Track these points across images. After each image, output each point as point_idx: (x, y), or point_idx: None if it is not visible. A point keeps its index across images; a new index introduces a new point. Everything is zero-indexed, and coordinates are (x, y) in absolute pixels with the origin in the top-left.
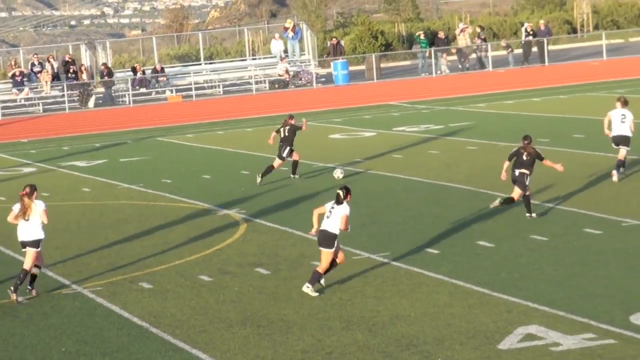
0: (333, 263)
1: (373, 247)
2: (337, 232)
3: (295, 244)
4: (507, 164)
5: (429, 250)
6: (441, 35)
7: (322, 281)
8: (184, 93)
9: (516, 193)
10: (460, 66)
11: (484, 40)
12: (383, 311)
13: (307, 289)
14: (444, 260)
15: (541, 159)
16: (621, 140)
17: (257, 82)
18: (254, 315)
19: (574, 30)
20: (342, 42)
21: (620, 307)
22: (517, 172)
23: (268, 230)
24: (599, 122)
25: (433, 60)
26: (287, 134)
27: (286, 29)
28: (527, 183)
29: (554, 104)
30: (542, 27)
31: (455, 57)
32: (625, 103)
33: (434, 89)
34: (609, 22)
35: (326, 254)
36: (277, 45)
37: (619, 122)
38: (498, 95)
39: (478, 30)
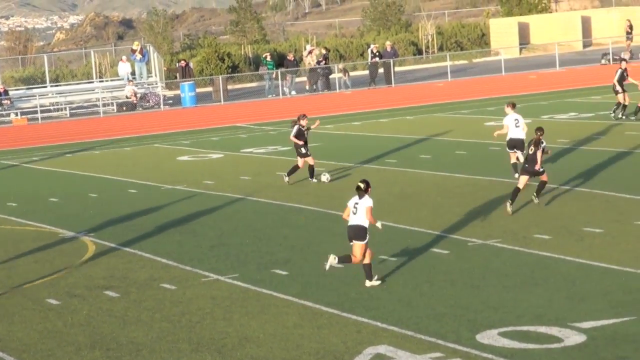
0: (347, 258)
1: (221, 268)
2: (366, 224)
3: (144, 266)
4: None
5: (278, 271)
6: (290, 57)
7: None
8: (29, 116)
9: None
10: (307, 87)
11: (327, 61)
12: (232, 333)
13: (369, 283)
14: (292, 281)
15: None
16: (517, 144)
17: (104, 105)
18: (103, 338)
19: (420, 52)
20: (191, 64)
21: (466, 326)
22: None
23: (117, 252)
24: (444, 142)
25: (280, 82)
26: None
27: (133, 51)
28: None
29: (400, 124)
30: (389, 49)
31: (304, 79)
32: (514, 106)
33: (282, 111)
34: (453, 43)
35: (360, 246)
36: (124, 68)
37: (514, 126)
38: (345, 117)
39: (324, 51)
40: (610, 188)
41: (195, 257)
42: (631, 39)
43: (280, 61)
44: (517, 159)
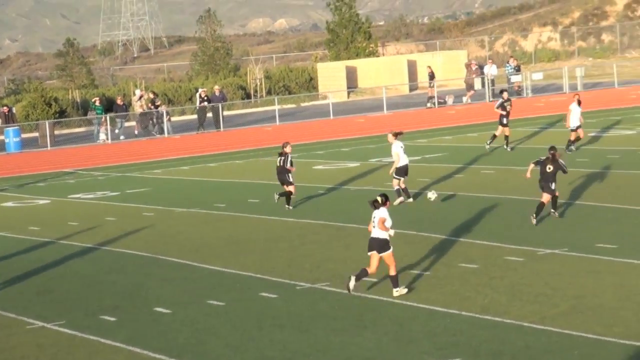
0: (363, 272)
1: (47, 315)
2: (386, 236)
3: None
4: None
5: (106, 317)
6: (119, 101)
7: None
8: None
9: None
10: (136, 132)
11: (157, 106)
12: None
13: (397, 292)
14: (121, 328)
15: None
16: (407, 170)
17: None
18: None
19: (248, 96)
20: (14, 110)
21: None
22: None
23: None
24: (271, 187)
25: (109, 127)
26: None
27: None
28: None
29: (229, 169)
30: (217, 93)
31: (133, 123)
32: (397, 134)
33: (111, 156)
34: (281, 87)
35: (387, 257)
36: None
37: (402, 152)
38: (174, 161)
39: (152, 96)
40: (436, 230)
41: (20, 304)
42: (433, 86)
43: (109, 106)
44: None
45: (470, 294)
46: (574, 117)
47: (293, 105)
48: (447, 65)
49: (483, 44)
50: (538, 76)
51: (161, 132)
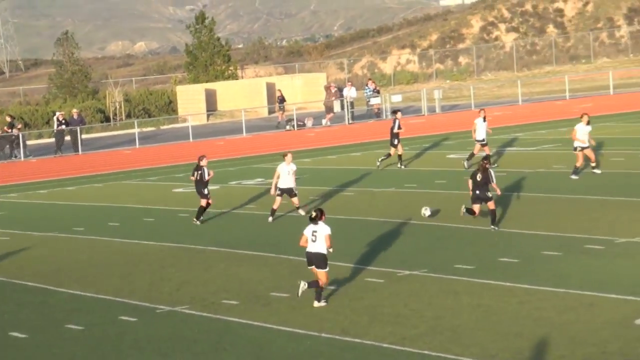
0: (316, 282)
1: None
2: (325, 252)
3: None
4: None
5: None
6: None
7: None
8: None
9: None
10: None
11: (18, 129)
12: None
13: (318, 304)
14: None
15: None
16: (288, 191)
17: None
18: None
19: (107, 119)
20: None
21: None
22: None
23: None
24: (133, 210)
25: None
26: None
27: None
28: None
29: (89, 192)
30: (75, 116)
31: None
32: (286, 155)
33: None
34: (140, 110)
35: (322, 274)
36: None
37: (285, 174)
38: (32, 185)
39: (8, 119)
40: (295, 253)
41: None
42: (283, 109)
43: None
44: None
45: (331, 315)
46: (480, 131)
47: (153, 128)
48: (307, 88)
49: (342, 66)
50: (397, 98)
51: (17, 155)
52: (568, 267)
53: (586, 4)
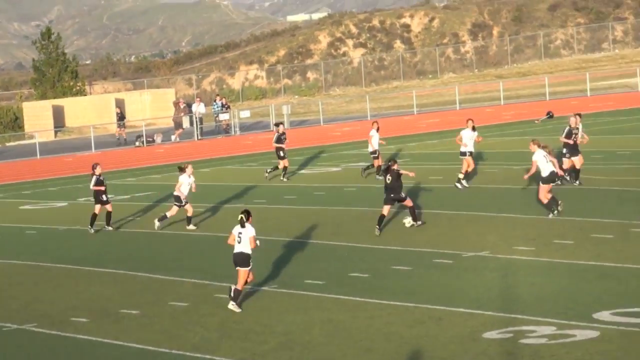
0: (237, 291)
1: None
2: (250, 252)
3: None
4: None
5: None
6: None
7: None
8: None
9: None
10: None
11: None
12: None
13: (233, 306)
14: None
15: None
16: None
17: None
18: None
19: None
20: None
21: None
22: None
23: None
24: None
25: None
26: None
27: None
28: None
29: None
30: None
31: None
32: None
33: None
34: None
35: (244, 272)
36: None
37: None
38: None
39: None
40: (145, 269)
41: None
42: (122, 126)
43: None
44: None
45: (181, 332)
46: (375, 142)
47: None
48: (156, 104)
49: (191, 82)
50: (246, 114)
51: None
52: (417, 282)
53: (432, 19)
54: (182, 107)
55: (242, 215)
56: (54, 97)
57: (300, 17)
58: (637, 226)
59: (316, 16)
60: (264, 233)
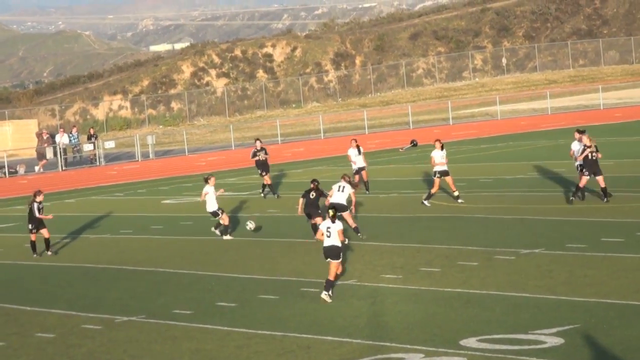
0: (329, 282)
1: None
2: (340, 244)
3: None
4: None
5: None
6: None
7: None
8: None
9: None
10: None
11: None
12: None
13: (325, 295)
14: None
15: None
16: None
17: None
18: None
19: None
20: None
21: None
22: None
23: None
24: None
25: None
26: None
27: None
28: None
29: None
30: None
31: None
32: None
33: None
34: None
35: (336, 264)
36: None
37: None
38: None
39: None
40: (11, 301)
41: None
42: None
43: None
44: None
45: None
46: (358, 160)
47: None
48: (18, 135)
49: (54, 112)
50: (110, 144)
51: None
52: (285, 310)
53: (294, 49)
54: (45, 137)
55: (331, 211)
56: None
57: (162, 47)
58: (500, 253)
59: (179, 46)
60: (130, 263)
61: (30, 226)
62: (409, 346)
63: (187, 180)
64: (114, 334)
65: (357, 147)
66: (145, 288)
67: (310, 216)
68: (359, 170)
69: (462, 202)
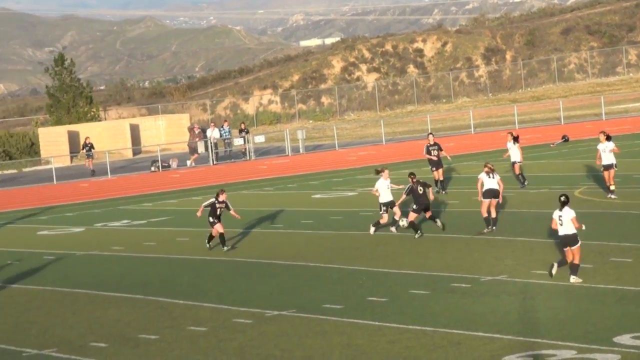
0: (564, 261)
1: None
2: (575, 231)
3: None
4: None
5: None
6: None
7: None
8: None
9: None
10: None
11: None
12: None
13: (574, 279)
14: None
15: None
16: (390, 204)
17: None
18: None
19: None
20: None
21: None
22: None
23: None
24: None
25: None
26: None
27: None
28: None
29: None
30: None
31: None
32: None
33: None
34: (1, 152)
35: (576, 249)
36: None
37: (385, 188)
38: None
39: None
40: (165, 294)
41: None
42: (91, 157)
43: None
44: None
45: (200, 357)
46: (514, 153)
47: (14, 171)
48: (171, 129)
49: (205, 107)
50: (260, 139)
51: None
52: (435, 306)
53: (445, 44)
54: (196, 132)
55: (563, 198)
56: (69, 123)
57: (313, 42)
58: None
59: (329, 41)
60: (281, 258)
61: (210, 219)
62: (560, 343)
63: (337, 175)
64: (264, 328)
65: (514, 138)
66: (295, 283)
67: (426, 209)
68: (513, 164)
69: (615, 198)
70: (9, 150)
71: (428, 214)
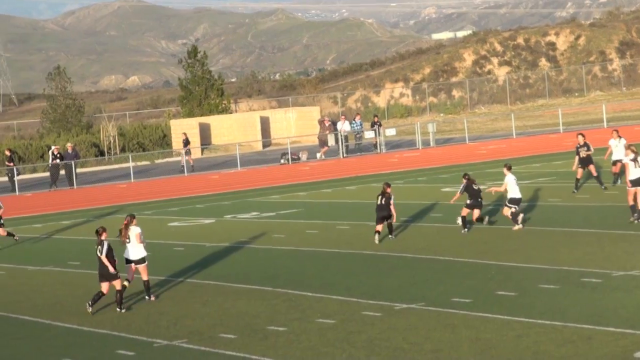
0: None
1: None
2: None
3: None
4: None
5: None
6: None
7: None
8: None
9: None
10: None
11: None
12: None
13: None
14: None
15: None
16: (517, 202)
17: None
18: None
19: (102, 153)
20: None
21: None
22: None
23: None
24: None
25: None
26: None
27: None
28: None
29: (82, 227)
30: (70, 150)
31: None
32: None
33: None
34: (135, 144)
35: None
36: None
37: (513, 184)
38: (25, 219)
39: (8, 153)
40: (293, 287)
41: None
42: (188, 153)
43: None
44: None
45: (328, 349)
46: (618, 151)
47: (147, 162)
48: (301, 122)
49: (336, 100)
50: (391, 132)
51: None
52: (565, 300)
53: (578, 37)
54: (327, 125)
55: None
56: (201, 115)
57: (445, 35)
58: None
59: (461, 34)
60: (410, 251)
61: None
62: None
63: (467, 168)
64: (393, 320)
65: (619, 137)
66: (425, 276)
67: (473, 207)
68: (615, 162)
69: None
70: (142, 141)
71: (477, 213)
